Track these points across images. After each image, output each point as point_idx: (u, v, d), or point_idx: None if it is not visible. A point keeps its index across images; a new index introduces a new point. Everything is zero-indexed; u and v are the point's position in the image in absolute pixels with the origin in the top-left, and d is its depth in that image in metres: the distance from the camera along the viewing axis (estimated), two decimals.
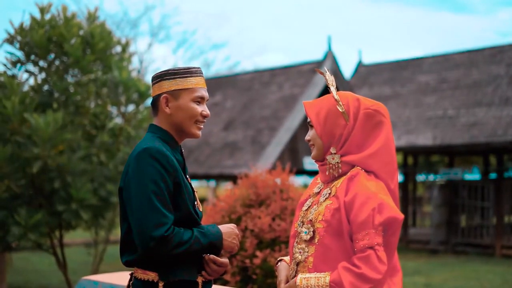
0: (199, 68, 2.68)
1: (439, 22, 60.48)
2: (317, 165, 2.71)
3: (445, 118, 15.99)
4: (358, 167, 2.56)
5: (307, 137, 2.69)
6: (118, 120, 8.35)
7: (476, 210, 16.37)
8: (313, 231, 2.55)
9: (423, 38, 60.63)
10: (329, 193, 2.58)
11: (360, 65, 20.14)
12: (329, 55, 14.43)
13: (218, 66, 34.88)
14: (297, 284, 2.50)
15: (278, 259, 2.81)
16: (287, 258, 2.79)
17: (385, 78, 18.89)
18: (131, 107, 8.41)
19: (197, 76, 2.64)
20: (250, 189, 5.72)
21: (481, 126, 15.15)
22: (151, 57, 55.53)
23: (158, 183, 2.42)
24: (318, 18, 61.34)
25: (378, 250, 2.41)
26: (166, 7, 47.62)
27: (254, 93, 15.32)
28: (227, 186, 6.36)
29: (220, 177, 14.32)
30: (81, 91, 7.70)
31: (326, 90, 14.51)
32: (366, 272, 2.38)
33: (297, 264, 2.61)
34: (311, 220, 2.57)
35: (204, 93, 2.66)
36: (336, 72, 14.47)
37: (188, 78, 2.62)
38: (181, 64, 31.40)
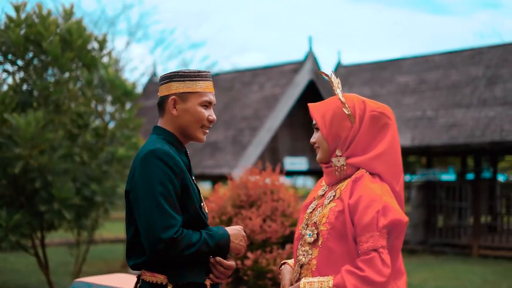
0: (208, 72, 2.66)
1: (419, 23, 61.07)
2: (322, 167, 2.69)
3: (424, 119, 16.09)
4: (362, 170, 2.55)
5: (313, 140, 2.68)
6: (105, 120, 8.25)
7: (453, 210, 16.51)
8: (317, 234, 2.54)
9: (402, 39, 61.16)
10: (334, 196, 2.57)
11: (339, 65, 20.18)
12: (310, 55, 14.44)
13: (196, 65, 34.73)
14: None
15: (282, 262, 2.79)
16: (290, 261, 2.77)
17: (365, 78, 18.96)
18: (115, 107, 8.33)
19: (206, 80, 2.62)
20: (241, 190, 5.68)
21: (460, 127, 15.28)
22: (128, 56, 55.23)
23: (165, 185, 2.40)
24: (298, 18, 61.58)
25: (382, 253, 2.40)
26: (144, 5, 47.31)
27: (235, 93, 15.28)
28: (217, 187, 6.30)
29: (201, 177, 14.25)
30: (61, 90, 7.60)
31: (307, 90, 14.57)
32: (370, 275, 2.36)
33: (301, 266, 2.60)
34: (315, 223, 2.56)
35: (212, 97, 2.64)
36: (317, 72, 14.48)
37: (197, 82, 2.59)
38: (159, 64, 31.24)
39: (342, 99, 2.63)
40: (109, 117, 8.30)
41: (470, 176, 19.41)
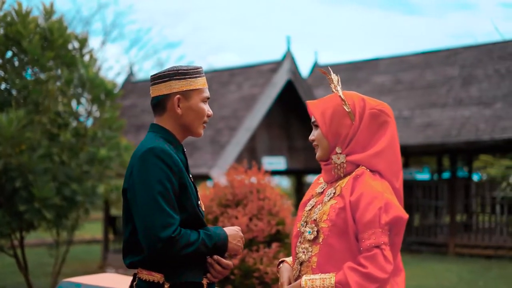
0: (201, 67, 2.67)
1: (393, 24, 61.48)
2: (321, 165, 2.69)
3: (400, 118, 16.20)
4: (363, 167, 2.55)
5: (312, 137, 2.67)
6: (83, 119, 8.17)
7: (430, 209, 16.66)
8: (317, 231, 2.53)
9: (377, 39, 61.54)
10: (334, 193, 2.57)
11: (316, 65, 20.26)
12: (288, 55, 14.46)
13: (172, 65, 34.56)
14: (302, 285, 2.48)
15: (280, 260, 2.78)
16: (289, 259, 2.76)
17: (341, 78, 18.92)
18: (95, 106, 8.25)
19: (203, 77, 2.64)
20: (227, 189, 5.67)
21: (436, 127, 15.44)
22: (103, 56, 54.67)
23: (164, 183, 2.38)
24: (274, 18, 61.60)
25: (384, 250, 2.41)
26: (120, 5, 46.93)
27: (213, 93, 15.21)
28: (204, 185, 6.29)
29: None
30: (40, 89, 7.51)
31: (285, 90, 14.55)
32: (373, 272, 2.37)
33: (301, 264, 2.59)
34: (315, 220, 2.55)
35: (208, 93, 2.66)
36: (295, 72, 14.52)
37: (197, 79, 2.61)
38: (136, 63, 31.03)
39: (343, 96, 2.63)
40: (86, 117, 8.21)
41: (446, 175, 19.62)
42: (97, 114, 8.11)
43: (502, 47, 16.87)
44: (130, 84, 17.92)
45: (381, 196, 2.45)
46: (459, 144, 14.83)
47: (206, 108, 2.63)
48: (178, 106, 2.57)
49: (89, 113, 8.12)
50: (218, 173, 12.17)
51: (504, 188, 13.95)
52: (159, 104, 2.60)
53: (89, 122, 8.33)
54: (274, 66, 14.38)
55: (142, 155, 2.43)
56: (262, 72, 14.61)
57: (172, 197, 2.40)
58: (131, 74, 19.19)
